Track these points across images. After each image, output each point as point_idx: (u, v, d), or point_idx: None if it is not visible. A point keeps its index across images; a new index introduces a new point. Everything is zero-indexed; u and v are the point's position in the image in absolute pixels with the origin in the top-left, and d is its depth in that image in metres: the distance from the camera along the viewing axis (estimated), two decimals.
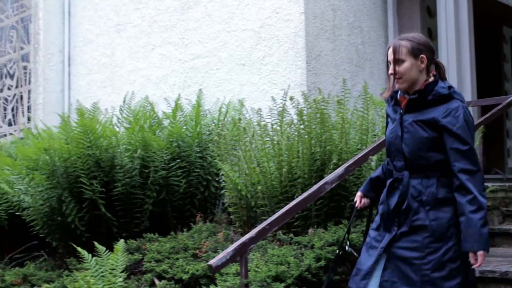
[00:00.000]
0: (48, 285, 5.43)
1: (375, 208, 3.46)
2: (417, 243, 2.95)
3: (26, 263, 6.40)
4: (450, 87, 3.04)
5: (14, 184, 6.24)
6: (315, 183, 4.62)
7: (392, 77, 3.11)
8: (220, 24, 7.59)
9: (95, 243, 4.91)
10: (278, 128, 5.35)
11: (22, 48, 11.29)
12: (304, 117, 5.11)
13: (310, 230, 4.79)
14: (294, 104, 5.34)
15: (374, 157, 4.99)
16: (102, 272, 4.69)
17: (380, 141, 4.90)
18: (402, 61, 3.04)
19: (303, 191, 4.74)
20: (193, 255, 4.96)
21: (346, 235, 3.62)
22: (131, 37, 8.85)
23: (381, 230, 3.13)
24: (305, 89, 6.46)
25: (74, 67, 9.93)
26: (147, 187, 5.90)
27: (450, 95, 3.01)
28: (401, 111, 3.11)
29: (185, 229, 5.59)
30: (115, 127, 6.55)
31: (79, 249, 4.89)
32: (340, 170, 4.58)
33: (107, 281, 4.57)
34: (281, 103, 5.55)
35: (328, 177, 4.51)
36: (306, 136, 5.03)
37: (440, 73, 3.13)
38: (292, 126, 5.24)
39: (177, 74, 8.07)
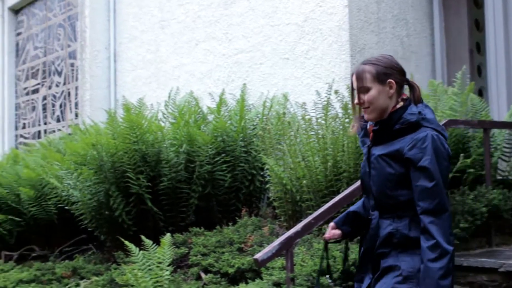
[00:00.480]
0: (96, 278, 5.53)
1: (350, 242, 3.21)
2: (386, 285, 2.63)
3: (75, 256, 6.54)
4: (420, 112, 2.63)
5: (63, 179, 6.37)
6: None
7: (356, 107, 2.78)
8: (263, 18, 7.59)
9: (142, 237, 4.98)
10: (323, 122, 5.33)
11: (69, 46, 11.49)
12: (349, 111, 5.07)
13: None
14: (339, 98, 5.31)
15: None
16: (149, 265, 4.76)
17: None
18: (368, 89, 2.67)
19: (348, 185, 4.71)
20: (239, 249, 4.99)
21: (325, 267, 3.26)
22: (175, 33, 8.91)
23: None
24: (349, 83, 6.40)
25: (120, 63, 10.06)
26: (193, 181, 5.95)
27: (418, 123, 2.61)
28: (369, 143, 2.76)
29: (230, 223, 5.62)
30: (161, 122, 6.62)
31: (126, 242, 4.97)
32: None
33: (154, 274, 4.63)
34: (326, 97, 5.52)
35: None
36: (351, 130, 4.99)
37: (414, 96, 2.73)
38: (337, 120, 5.21)
39: (221, 69, 8.10)
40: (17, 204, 7.18)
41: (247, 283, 4.38)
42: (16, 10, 13.21)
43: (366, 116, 2.74)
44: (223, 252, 4.96)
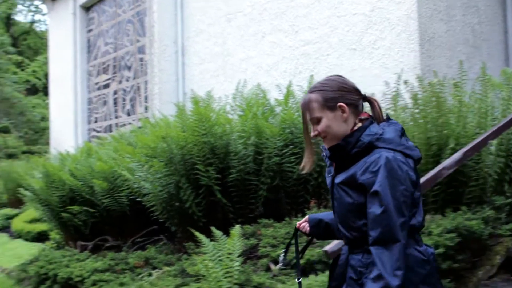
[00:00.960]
0: (168, 268, 5.65)
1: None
2: None
3: (147, 246, 6.68)
4: (376, 133, 2.36)
5: (135, 171, 6.52)
6: (432, 169, 4.51)
7: (307, 139, 2.56)
8: (329, 9, 7.54)
9: (212, 228, 5.06)
10: (392, 112, 5.26)
11: (138, 41, 11.73)
12: (418, 101, 4.99)
13: (427, 216, 4.68)
14: (408, 88, 5.23)
15: (494, 142, 4.81)
16: (219, 256, 4.82)
17: (501, 124, 4.71)
18: (319, 119, 2.44)
19: None
20: (308, 241, 4.98)
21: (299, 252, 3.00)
22: (242, 25, 8.96)
23: None
24: (418, 73, 6.31)
25: (187, 57, 10.20)
26: (261, 173, 5.98)
27: (371, 144, 2.34)
28: (333, 173, 2.51)
29: (299, 215, 5.63)
30: (229, 115, 6.68)
31: (197, 233, 5.05)
32: (457, 155, 4.45)
33: (225, 265, 4.69)
34: (394, 87, 5.45)
35: (445, 163, 4.39)
36: (421, 121, 4.92)
37: (375, 113, 2.47)
38: (407, 110, 5.13)
39: (288, 61, 8.10)
40: (91, 196, 7.39)
41: (316, 274, 4.39)
42: (87, 8, 13.58)
43: (326, 146, 2.50)
44: (292, 244, 4.97)
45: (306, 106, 2.47)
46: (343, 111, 2.41)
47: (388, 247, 2.20)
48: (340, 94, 2.43)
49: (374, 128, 2.38)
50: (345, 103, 2.42)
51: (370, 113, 2.50)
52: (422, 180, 4.26)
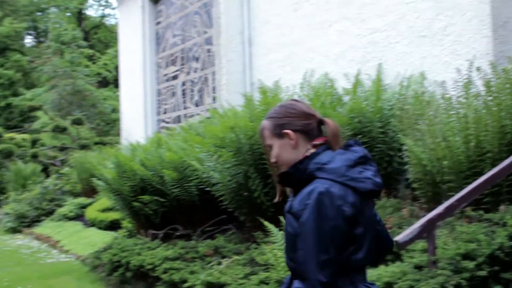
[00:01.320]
0: (237, 257, 5.71)
1: None
2: None
3: (216, 235, 6.77)
4: (319, 161, 2.22)
5: (204, 161, 6.60)
6: (506, 158, 4.38)
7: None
8: None
9: (281, 217, 5.07)
10: (464, 100, 5.13)
11: (205, 32, 11.84)
12: (492, 88, 4.85)
13: (501, 207, 4.56)
14: (480, 75, 5.09)
15: None
16: None
17: None
18: (270, 147, 2.36)
19: (493, 166, 4.52)
20: None
21: None
22: (308, 14, 8.92)
23: None
24: (491, 59, 6.12)
25: (254, 47, 10.23)
26: None
27: (311, 174, 2.21)
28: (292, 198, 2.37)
29: None
30: None
31: (266, 223, 5.09)
32: None
33: None
34: (466, 74, 5.31)
35: None
36: (495, 108, 4.78)
37: (330, 137, 2.30)
38: (479, 98, 5.00)
39: (355, 49, 8.02)
40: (161, 186, 7.54)
41: (387, 265, 4.34)
42: (155, 0, 13.80)
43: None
44: None
45: (260, 134, 2.42)
46: (290, 138, 2.32)
47: (304, 283, 2.13)
48: (287, 121, 2.33)
49: (324, 156, 2.25)
50: (293, 130, 2.32)
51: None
52: (496, 169, 4.15)
